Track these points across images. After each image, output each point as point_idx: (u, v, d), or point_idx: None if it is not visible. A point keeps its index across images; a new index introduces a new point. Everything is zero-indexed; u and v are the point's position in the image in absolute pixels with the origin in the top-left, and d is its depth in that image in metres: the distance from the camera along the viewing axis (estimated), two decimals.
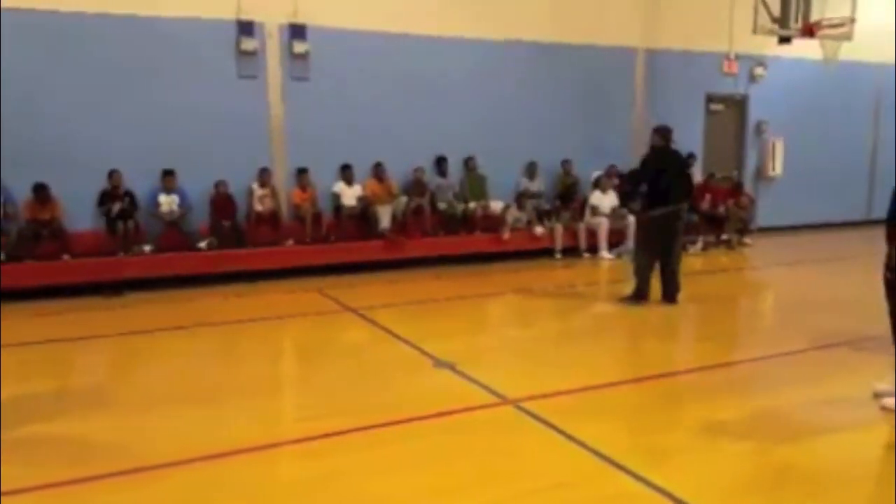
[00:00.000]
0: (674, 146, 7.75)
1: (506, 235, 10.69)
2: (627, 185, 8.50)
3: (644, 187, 7.64)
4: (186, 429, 4.39)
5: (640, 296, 7.60)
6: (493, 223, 10.79)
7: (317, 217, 9.90)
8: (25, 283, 8.25)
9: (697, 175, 12.59)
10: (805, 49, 12.31)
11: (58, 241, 8.67)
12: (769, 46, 12.63)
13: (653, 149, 7.76)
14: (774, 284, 9.97)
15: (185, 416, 4.62)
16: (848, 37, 11.65)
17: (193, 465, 3.86)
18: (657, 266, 7.64)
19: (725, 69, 13.19)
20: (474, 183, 11.07)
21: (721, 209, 11.90)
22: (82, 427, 4.45)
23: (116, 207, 8.94)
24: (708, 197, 11.90)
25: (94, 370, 6.20)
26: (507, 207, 10.87)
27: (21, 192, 8.69)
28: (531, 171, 11.49)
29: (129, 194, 9.13)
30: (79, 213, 9.01)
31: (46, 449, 4.13)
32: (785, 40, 11.84)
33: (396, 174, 10.60)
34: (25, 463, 3.91)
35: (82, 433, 4.35)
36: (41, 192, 8.65)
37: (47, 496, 3.54)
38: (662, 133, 7.71)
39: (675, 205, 7.50)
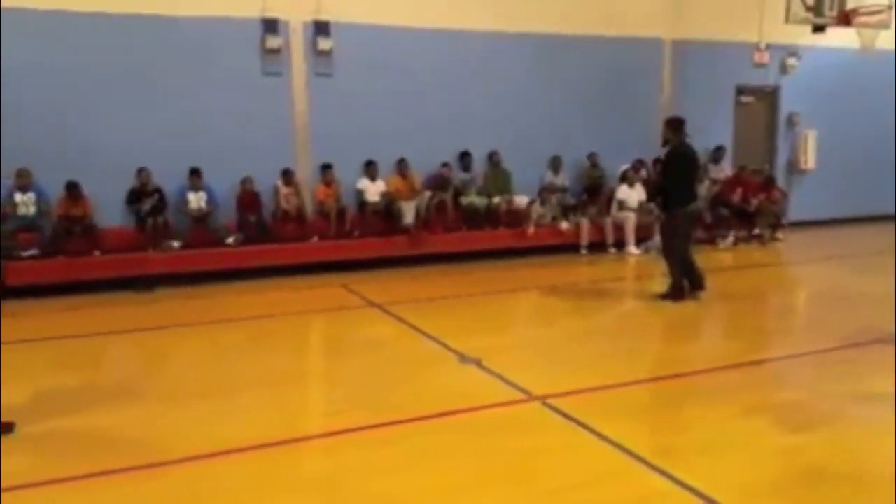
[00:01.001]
0: (687, 138, 7.51)
1: (530, 230, 10.61)
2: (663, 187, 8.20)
3: (667, 184, 7.49)
4: (211, 423, 4.41)
5: (678, 294, 7.46)
6: (517, 218, 10.72)
7: (341, 213, 9.93)
8: (57, 279, 8.40)
9: (727, 169, 12.45)
10: (840, 38, 12.03)
11: (89, 238, 8.79)
12: (802, 35, 12.38)
13: (668, 143, 7.50)
14: (807, 280, 9.78)
15: (209, 411, 4.64)
16: (886, 24, 11.37)
17: (217, 459, 3.88)
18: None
19: (756, 60, 12.96)
20: (498, 177, 11.00)
21: (752, 203, 11.69)
22: (108, 420, 4.49)
23: (147, 205, 9.05)
24: (739, 191, 11.71)
25: (123, 364, 6.30)
26: (531, 202, 10.79)
27: (53, 191, 8.84)
28: (555, 165, 11.39)
29: (159, 191, 9.24)
30: (109, 211, 9.13)
31: (71, 442, 4.18)
32: (819, 29, 11.58)
33: (420, 169, 10.58)
34: (50, 455, 3.97)
35: (108, 427, 4.40)
36: (73, 190, 8.78)
37: (70, 488, 3.58)
38: (676, 126, 7.46)
39: (696, 200, 7.39)
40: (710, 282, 7.59)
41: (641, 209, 11.00)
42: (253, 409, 4.66)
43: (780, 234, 11.98)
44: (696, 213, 7.45)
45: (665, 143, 7.53)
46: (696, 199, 7.54)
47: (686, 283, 7.49)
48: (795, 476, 3.63)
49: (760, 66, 13.03)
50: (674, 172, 7.42)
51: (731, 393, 4.85)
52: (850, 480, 3.54)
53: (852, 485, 3.49)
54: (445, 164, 10.61)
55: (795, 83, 13.31)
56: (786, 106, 13.48)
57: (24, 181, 8.66)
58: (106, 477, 3.67)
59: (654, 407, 4.70)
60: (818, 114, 13.36)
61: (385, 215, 10.14)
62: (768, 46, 12.84)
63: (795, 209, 13.07)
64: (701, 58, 12.39)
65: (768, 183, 12.27)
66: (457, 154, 10.84)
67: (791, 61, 13.19)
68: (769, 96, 13.51)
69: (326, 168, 10.03)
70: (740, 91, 13.15)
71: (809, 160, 13.59)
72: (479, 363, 5.44)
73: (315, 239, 9.72)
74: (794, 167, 13.68)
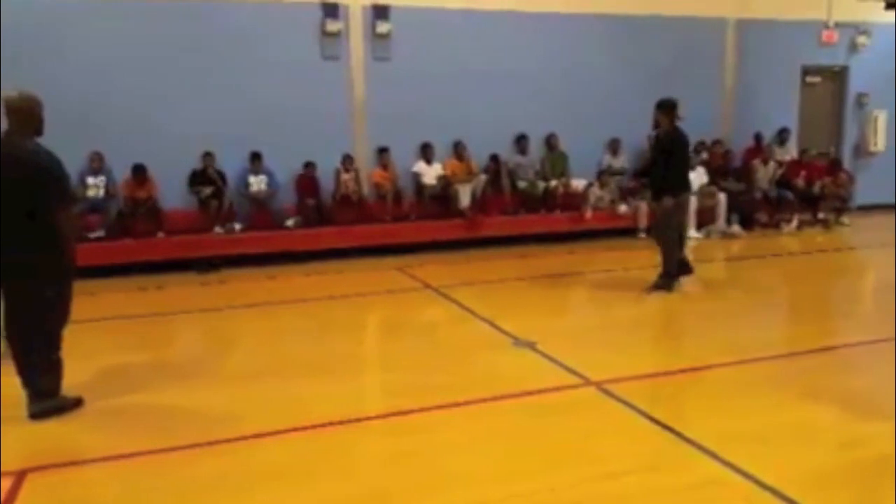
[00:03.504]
0: (678, 122, 7.15)
1: (587, 214, 10.50)
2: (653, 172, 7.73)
3: (659, 170, 7.13)
4: (271, 402, 4.52)
5: (677, 273, 7.27)
6: (574, 202, 10.62)
7: (397, 196, 9.99)
8: (123, 259, 8.69)
9: (793, 151, 12.10)
10: None
11: (153, 219, 9.06)
12: (874, 12, 11.87)
13: (660, 126, 7.16)
14: (873, 266, 9.43)
15: (269, 390, 4.75)
16: None
17: (276, 438, 3.97)
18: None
19: (824, 39, 12.49)
20: (555, 161, 10.90)
21: (817, 186, 11.35)
22: (172, 398, 4.64)
23: (206, 192, 9.26)
24: (803, 174, 11.38)
25: (186, 344, 6.49)
26: (589, 185, 10.67)
27: (120, 173, 9.14)
28: (614, 147, 11.24)
29: (220, 174, 9.45)
30: (172, 193, 9.38)
31: (137, 418, 4.33)
32: (892, 5, 11.09)
33: (477, 152, 10.55)
34: (117, 431, 4.11)
35: (172, 404, 4.54)
36: (139, 173, 9.05)
37: (136, 464, 3.70)
38: (668, 109, 7.09)
39: (688, 189, 7.27)
40: (773, 266, 7.41)
41: (702, 192, 10.76)
42: (310, 390, 4.75)
43: (845, 219, 11.62)
44: (683, 202, 7.15)
45: (656, 126, 7.18)
46: (688, 187, 7.24)
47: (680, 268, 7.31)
48: (859, 467, 3.53)
49: (828, 45, 12.55)
50: (666, 158, 7.04)
51: (792, 380, 4.74)
52: None
53: None
54: (494, 157, 10.55)
55: (865, 62, 12.80)
56: (854, 86, 13.00)
57: (96, 164, 8.98)
58: (170, 453, 3.80)
59: (712, 393, 4.62)
60: (889, 94, 12.81)
61: (441, 199, 10.17)
62: (837, 25, 12.36)
63: (863, 193, 12.63)
64: (766, 37, 12.02)
65: (834, 166, 11.88)
66: (513, 137, 10.79)
67: (861, 39, 12.68)
68: (837, 76, 13.04)
69: (383, 151, 10.11)
70: (806, 71, 12.71)
71: (879, 142, 13.08)
72: (533, 346, 5.43)
73: (373, 225, 9.82)
74: (862, 149, 13.19)
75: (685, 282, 7.37)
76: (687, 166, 7.21)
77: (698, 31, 11.72)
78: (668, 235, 7.19)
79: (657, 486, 3.35)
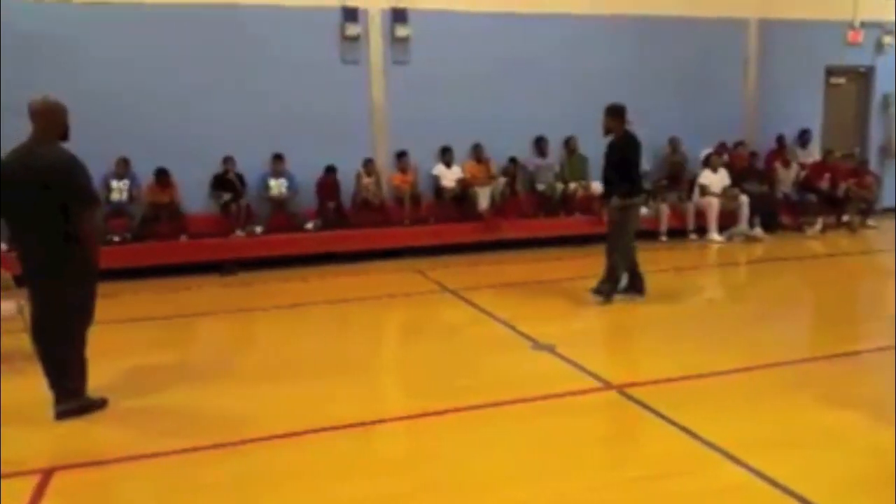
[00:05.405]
0: (628, 126, 6.94)
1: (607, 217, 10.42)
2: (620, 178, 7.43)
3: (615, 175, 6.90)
4: (291, 404, 4.54)
5: (641, 286, 7.12)
6: (593, 205, 10.55)
7: (416, 199, 10.01)
8: (146, 262, 8.78)
9: (816, 153, 11.97)
10: None
11: (176, 223, 9.15)
12: None
13: (610, 132, 6.91)
14: None
15: (289, 392, 4.77)
16: None
17: (297, 439, 3.98)
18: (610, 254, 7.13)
19: (849, 39, 12.35)
20: (575, 163, 10.86)
21: (841, 189, 11.21)
22: (196, 399, 4.67)
23: (225, 197, 9.35)
24: (827, 176, 11.25)
25: (208, 345, 6.54)
26: None
27: (144, 177, 9.25)
28: None
29: (240, 177, 9.52)
30: (195, 196, 9.48)
31: (161, 419, 4.36)
32: None
33: (496, 155, 10.54)
34: (142, 432, 4.14)
35: (196, 405, 4.57)
36: (162, 177, 9.16)
37: (160, 463, 3.73)
38: (617, 114, 6.88)
39: (641, 193, 7.13)
40: (796, 269, 7.31)
41: (725, 195, 10.68)
42: (331, 391, 4.76)
43: (871, 222, 11.47)
44: (635, 206, 6.99)
45: (607, 132, 6.97)
46: (641, 191, 7.10)
47: (625, 282, 7.13)
48: (886, 474, 3.47)
49: (853, 45, 12.41)
50: (618, 163, 6.87)
51: (816, 385, 4.67)
52: None
53: None
54: (513, 160, 10.58)
55: (891, 63, 12.62)
56: (880, 87, 12.83)
57: (121, 169, 9.10)
58: (194, 453, 3.82)
59: (735, 398, 4.57)
60: None
61: (460, 201, 10.17)
62: (863, 24, 12.22)
63: (889, 195, 12.46)
64: (789, 38, 11.91)
65: (859, 168, 11.73)
66: (532, 139, 10.77)
67: (887, 39, 12.52)
68: (862, 77, 12.88)
69: (402, 155, 10.14)
70: (831, 72, 12.58)
71: None
72: (553, 350, 5.41)
73: (392, 229, 9.86)
74: (887, 151, 13.01)
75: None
76: (638, 170, 7.05)
77: (720, 32, 11.64)
78: (624, 242, 7.01)
79: (680, 492, 3.32)
